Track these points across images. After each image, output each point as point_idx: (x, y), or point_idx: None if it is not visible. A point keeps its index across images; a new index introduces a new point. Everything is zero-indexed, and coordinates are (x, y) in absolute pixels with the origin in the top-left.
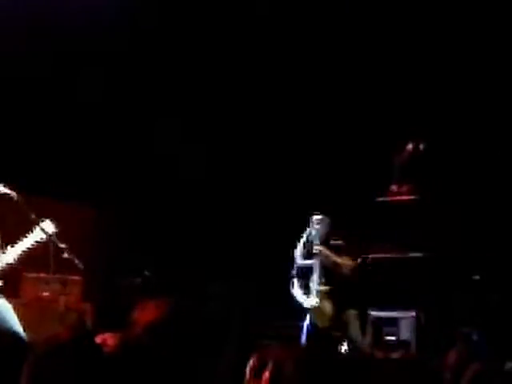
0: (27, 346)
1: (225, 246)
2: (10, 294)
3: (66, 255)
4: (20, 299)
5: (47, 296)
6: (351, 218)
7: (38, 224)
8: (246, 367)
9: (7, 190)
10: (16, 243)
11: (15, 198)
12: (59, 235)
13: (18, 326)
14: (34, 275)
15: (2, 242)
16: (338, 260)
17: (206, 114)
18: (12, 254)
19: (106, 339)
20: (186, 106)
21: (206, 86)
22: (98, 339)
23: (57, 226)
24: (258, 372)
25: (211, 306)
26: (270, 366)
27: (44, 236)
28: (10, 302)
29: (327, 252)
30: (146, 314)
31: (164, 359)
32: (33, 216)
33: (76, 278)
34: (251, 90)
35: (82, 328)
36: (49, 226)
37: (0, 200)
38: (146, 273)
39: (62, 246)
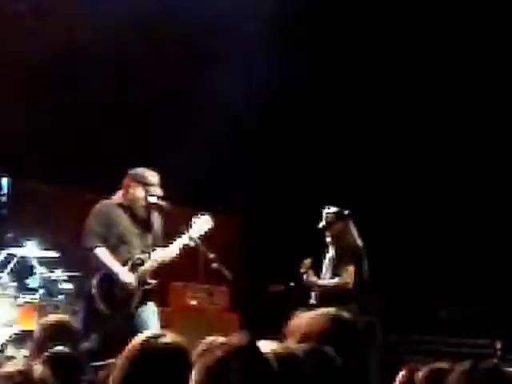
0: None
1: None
2: (158, 302)
3: (214, 265)
4: (167, 308)
5: (194, 305)
6: None
7: (188, 234)
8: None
9: (159, 201)
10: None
11: (166, 209)
12: (208, 245)
13: (156, 330)
14: (181, 284)
15: (154, 244)
16: None
17: None
18: (163, 257)
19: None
20: None
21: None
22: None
23: (206, 236)
24: None
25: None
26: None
27: (193, 245)
28: (158, 310)
29: None
30: (301, 325)
31: (319, 372)
32: (183, 226)
33: (223, 288)
34: None
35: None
36: (196, 231)
37: (152, 210)
38: (291, 284)
39: (211, 255)
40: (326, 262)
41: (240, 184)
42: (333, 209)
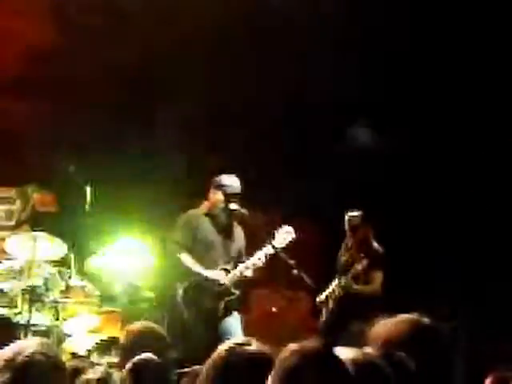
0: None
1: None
2: (241, 309)
3: (295, 272)
4: (249, 315)
5: (276, 312)
6: None
7: (271, 244)
8: None
9: (241, 209)
10: (249, 258)
11: (246, 215)
12: (288, 252)
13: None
14: (262, 291)
15: (239, 254)
16: None
17: None
18: (248, 267)
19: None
20: None
21: None
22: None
23: (285, 242)
24: None
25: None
26: None
27: (274, 252)
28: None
29: None
30: (383, 331)
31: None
32: (263, 233)
33: (303, 294)
34: None
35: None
36: (279, 241)
37: (234, 217)
38: None
39: (292, 262)
40: (341, 264)
41: (319, 190)
42: (356, 212)
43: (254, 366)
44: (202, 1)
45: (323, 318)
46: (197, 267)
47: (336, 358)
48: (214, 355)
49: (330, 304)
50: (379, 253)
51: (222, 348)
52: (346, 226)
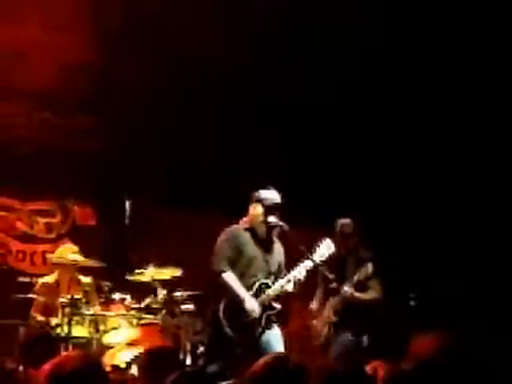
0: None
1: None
2: (278, 320)
3: (333, 285)
4: (287, 328)
5: (314, 326)
6: None
7: (311, 258)
8: None
9: (280, 222)
10: (289, 272)
11: (286, 229)
12: (327, 265)
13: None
14: (301, 305)
15: (279, 268)
16: None
17: None
18: (289, 282)
19: (377, 368)
20: None
21: None
22: (369, 367)
23: (325, 257)
24: None
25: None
26: None
27: (314, 266)
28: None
29: None
30: (420, 347)
31: None
32: (302, 247)
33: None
34: None
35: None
36: (319, 255)
37: (274, 231)
38: (412, 303)
39: (330, 276)
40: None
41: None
42: (347, 219)
43: (291, 378)
44: None
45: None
46: (238, 289)
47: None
48: (253, 368)
49: (327, 313)
50: (374, 261)
51: (261, 361)
52: (338, 233)
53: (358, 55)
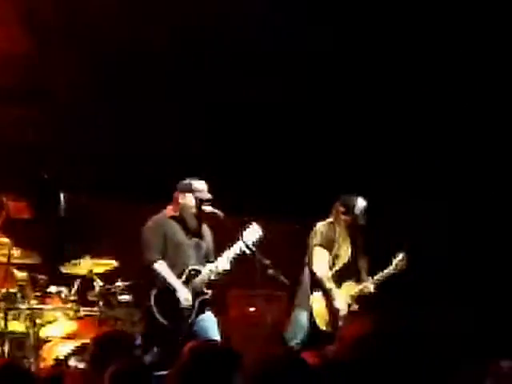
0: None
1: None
2: (218, 310)
3: (270, 271)
4: (226, 315)
5: (252, 313)
6: None
7: (239, 243)
8: None
9: (215, 210)
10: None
11: (221, 217)
12: (264, 252)
13: (217, 339)
14: (239, 292)
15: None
16: None
17: None
18: (217, 267)
19: (307, 357)
20: None
21: None
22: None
23: (261, 243)
24: None
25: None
26: None
27: (250, 253)
28: (217, 319)
29: None
30: (351, 330)
31: (364, 377)
32: (237, 234)
33: (281, 293)
34: None
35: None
36: (246, 240)
37: (208, 219)
38: None
39: (267, 262)
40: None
41: (293, 192)
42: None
43: (218, 363)
44: None
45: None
46: (170, 278)
47: (303, 362)
48: (181, 354)
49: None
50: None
51: (187, 347)
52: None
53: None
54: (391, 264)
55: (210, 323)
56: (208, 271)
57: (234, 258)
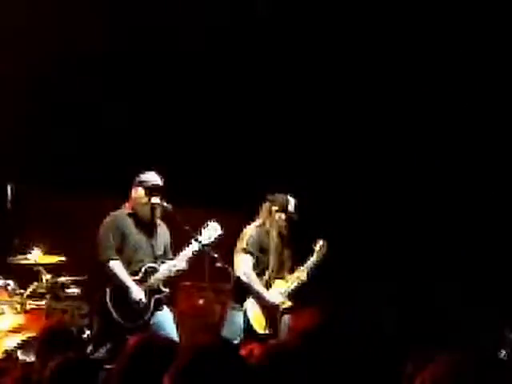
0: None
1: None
2: (167, 303)
3: (218, 264)
4: (175, 308)
5: (201, 305)
6: None
7: (198, 241)
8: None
9: (163, 202)
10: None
11: (169, 210)
12: (212, 245)
13: (174, 335)
14: (188, 284)
15: (166, 251)
16: None
17: None
18: (174, 265)
19: (253, 349)
20: None
21: None
22: (244, 350)
23: (212, 239)
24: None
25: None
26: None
27: (199, 249)
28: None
29: None
30: (301, 321)
31: (316, 365)
32: (186, 227)
33: (229, 286)
34: None
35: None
36: (205, 238)
37: (158, 213)
38: None
39: (215, 255)
40: None
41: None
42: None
43: (158, 356)
44: None
45: None
46: (124, 278)
47: (234, 353)
48: (124, 348)
49: None
50: None
51: (130, 341)
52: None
53: None
54: (313, 252)
55: (166, 319)
56: (165, 270)
57: (190, 258)
